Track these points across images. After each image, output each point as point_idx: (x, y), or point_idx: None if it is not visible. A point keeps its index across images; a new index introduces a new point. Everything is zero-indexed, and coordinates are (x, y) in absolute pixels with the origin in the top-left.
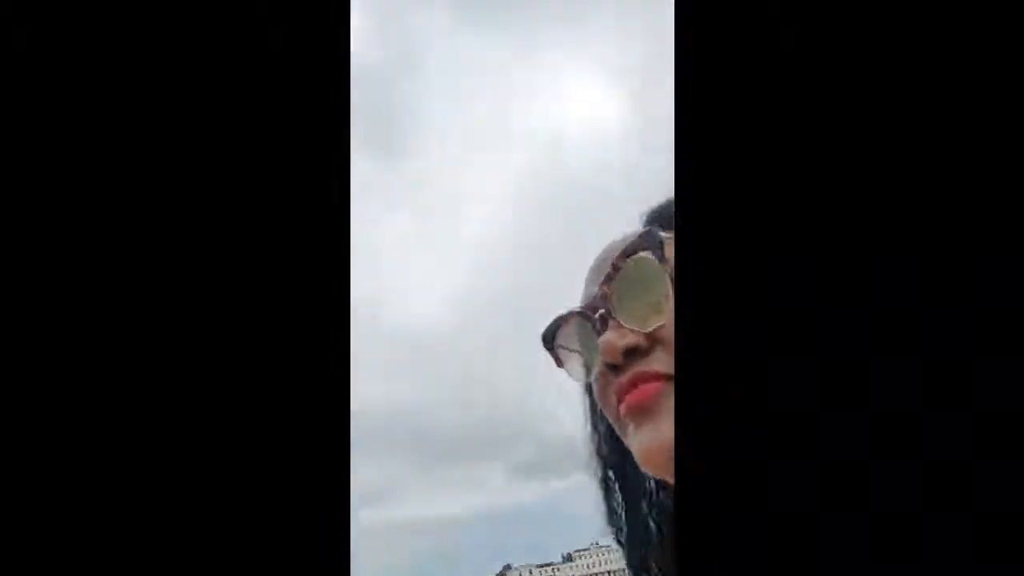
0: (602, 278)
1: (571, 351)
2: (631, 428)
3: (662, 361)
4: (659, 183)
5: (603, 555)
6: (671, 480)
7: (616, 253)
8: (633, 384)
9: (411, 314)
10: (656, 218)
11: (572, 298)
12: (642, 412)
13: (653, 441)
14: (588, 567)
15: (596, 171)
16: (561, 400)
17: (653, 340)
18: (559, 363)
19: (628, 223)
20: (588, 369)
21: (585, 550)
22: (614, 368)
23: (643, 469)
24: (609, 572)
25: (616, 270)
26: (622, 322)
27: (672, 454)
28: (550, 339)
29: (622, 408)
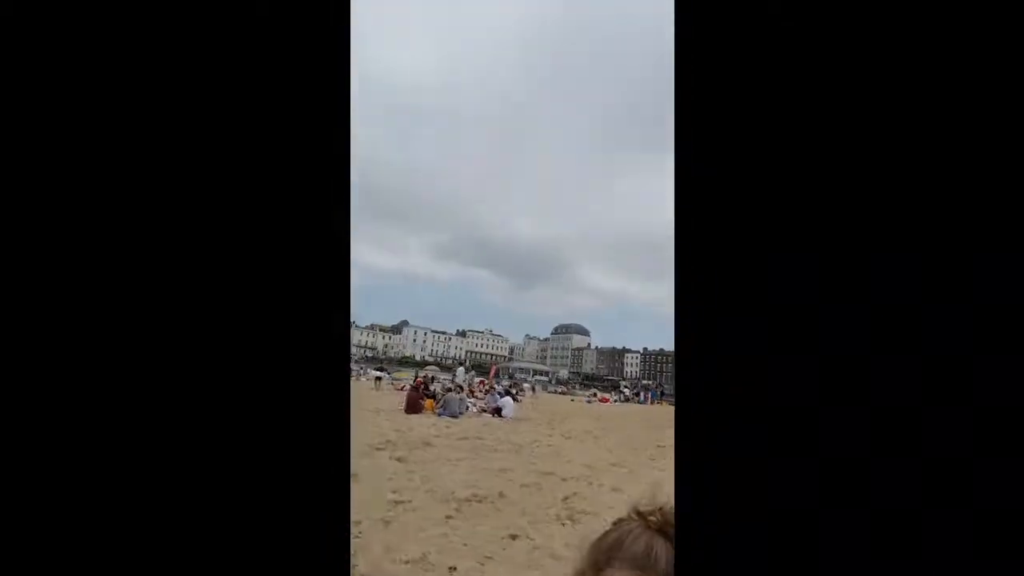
0: None
1: None
2: None
3: None
4: None
5: (492, 340)
6: None
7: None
8: None
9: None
10: None
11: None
12: None
13: None
14: (476, 346)
15: None
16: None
17: None
18: None
19: None
20: None
21: (479, 332)
22: None
23: None
24: (492, 355)
25: None
26: None
27: None
28: None
29: None
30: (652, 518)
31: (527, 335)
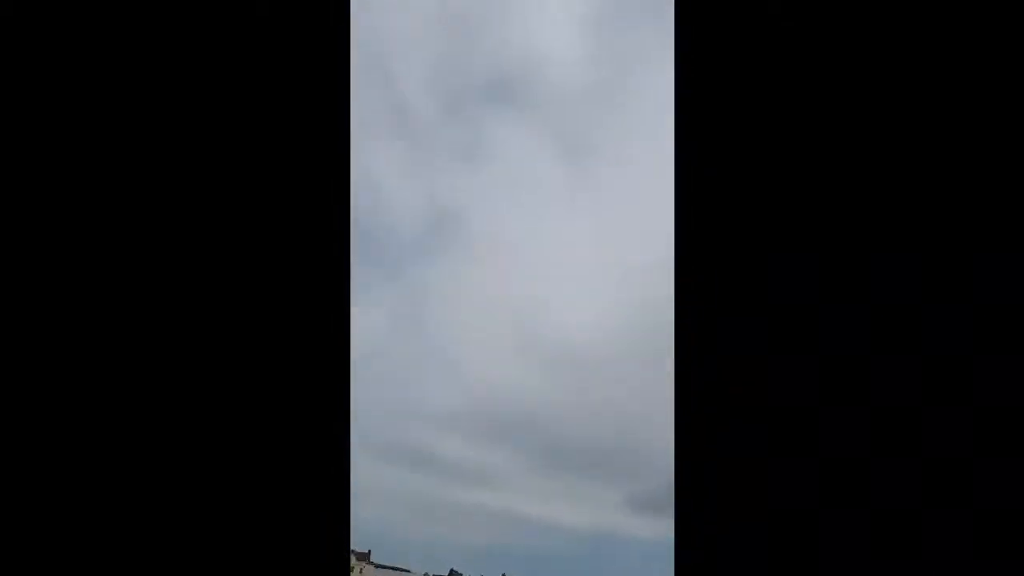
0: None
1: None
2: None
3: None
4: None
5: None
6: None
7: None
8: None
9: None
10: None
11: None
12: None
13: None
14: None
15: None
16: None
17: None
18: None
19: None
20: None
21: None
22: None
23: None
24: None
25: None
26: None
27: None
28: None
29: None
30: None
31: None
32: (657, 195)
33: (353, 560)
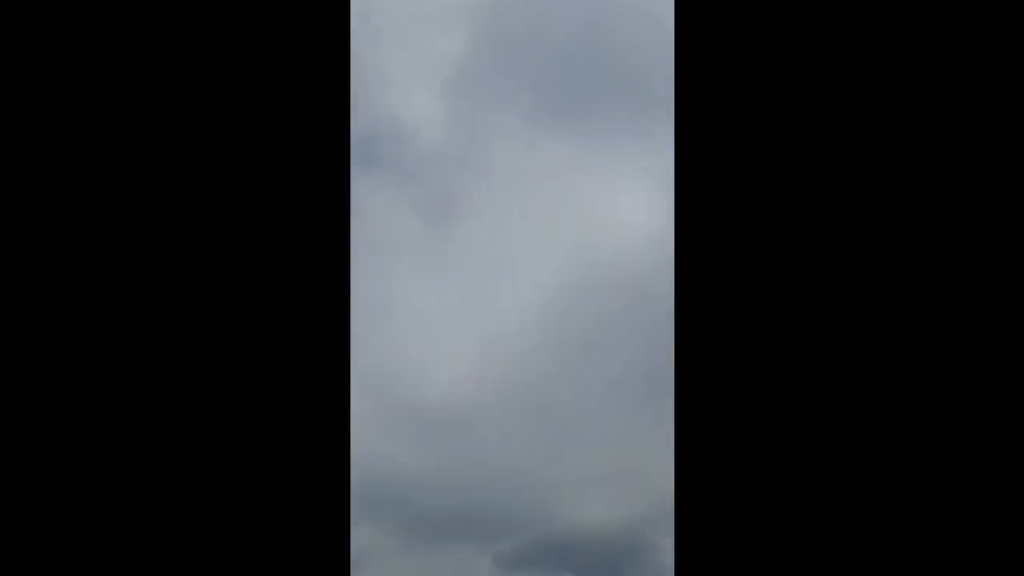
0: None
1: None
2: None
3: None
4: None
5: None
6: None
7: None
8: None
9: (431, 385)
10: None
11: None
12: None
13: None
14: None
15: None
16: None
17: None
18: None
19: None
20: None
21: None
22: None
23: None
24: None
25: None
26: None
27: None
28: None
29: None
30: None
31: None
32: (525, 250)
33: None
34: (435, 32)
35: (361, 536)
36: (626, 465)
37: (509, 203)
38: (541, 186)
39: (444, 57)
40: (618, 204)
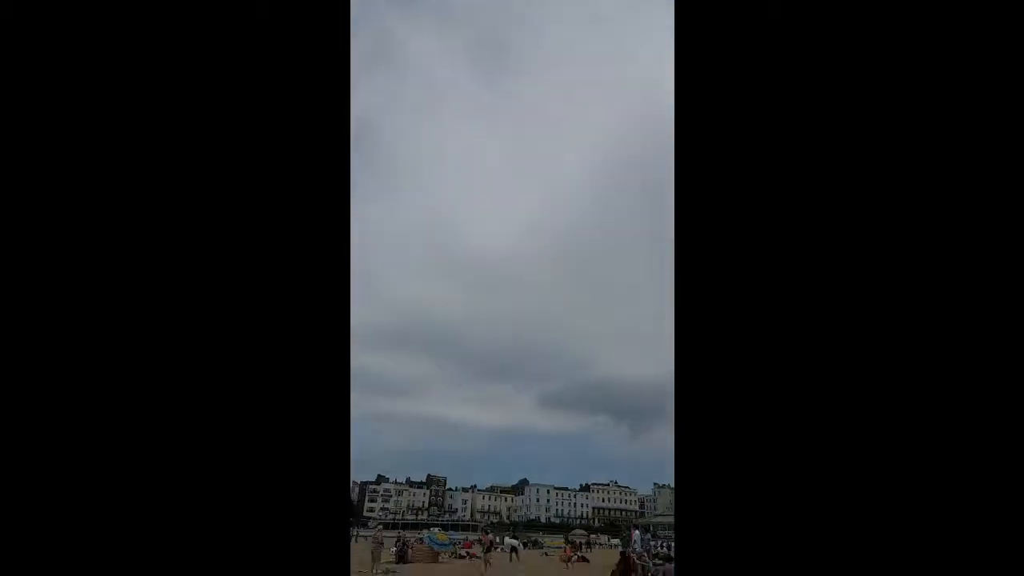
0: None
1: None
2: None
3: None
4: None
5: (619, 493)
6: None
7: None
8: None
9: (485, 236)
10: None
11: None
12: None
13: None
14: (602, 500)
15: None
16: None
17: None
18: None
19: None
20: None
21: (603, 485)
22: None
23: None
24: (621, 510)
25: None
26: None
27: None
28: None
29: None
30: None
31: (655, 483)
32: (584, 110)
33: None
34: None
35: (420, 366)
36: (661, 327)
37: (567, 57)
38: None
39: None
40: None
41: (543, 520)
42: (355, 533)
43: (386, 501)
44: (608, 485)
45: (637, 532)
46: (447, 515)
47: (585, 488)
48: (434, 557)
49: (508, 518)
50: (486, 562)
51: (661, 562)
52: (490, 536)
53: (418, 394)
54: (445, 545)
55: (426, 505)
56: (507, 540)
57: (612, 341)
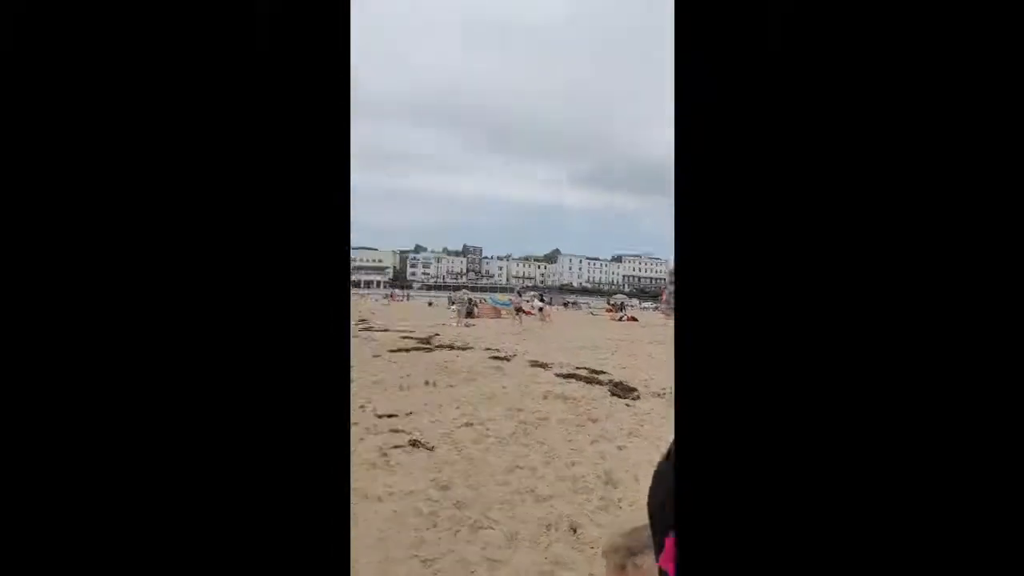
0: None
1: None
2: None
3: None
4: None
5: (650, 264)
6: None
7: None
8: None
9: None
10: None
11: None
12: None
13: None
14: (634, 270)
15: None
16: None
17: None
18: None
19: None
20: None
21: (635, 256)
22: None
23: None
24: (652, 279)
25: None
26: None
27: None
28: None
29: None
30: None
31: None
32: None
33: None
34: None
35: (452, 142)
36: None
37: None
38: None
39: None
40: None
41: (575, 285)
42: (405, 294)
43: (426, 267)
44: (640, 256)
45: (667, 292)
46: (484, 279)
47: (617, 259)
48: (497, 313)
49: (542, 282)
50: (520, 320)
51: None
52: (519, 300)
53: (449, 169)
54: (506, 304)
55: (464, 271)
56: (535, 302)
57: (636, 126)
